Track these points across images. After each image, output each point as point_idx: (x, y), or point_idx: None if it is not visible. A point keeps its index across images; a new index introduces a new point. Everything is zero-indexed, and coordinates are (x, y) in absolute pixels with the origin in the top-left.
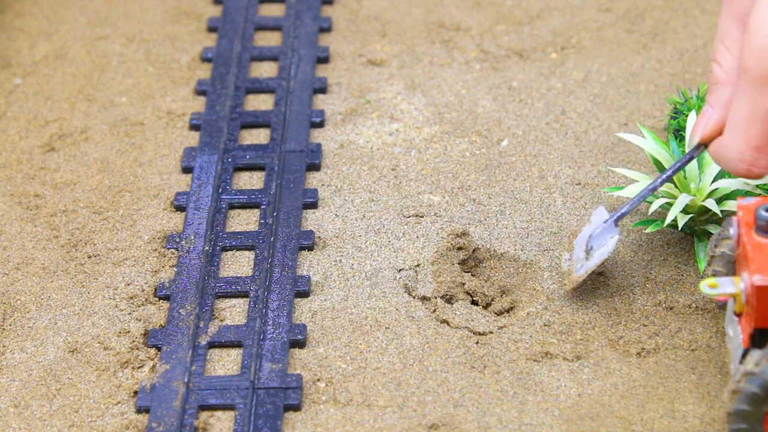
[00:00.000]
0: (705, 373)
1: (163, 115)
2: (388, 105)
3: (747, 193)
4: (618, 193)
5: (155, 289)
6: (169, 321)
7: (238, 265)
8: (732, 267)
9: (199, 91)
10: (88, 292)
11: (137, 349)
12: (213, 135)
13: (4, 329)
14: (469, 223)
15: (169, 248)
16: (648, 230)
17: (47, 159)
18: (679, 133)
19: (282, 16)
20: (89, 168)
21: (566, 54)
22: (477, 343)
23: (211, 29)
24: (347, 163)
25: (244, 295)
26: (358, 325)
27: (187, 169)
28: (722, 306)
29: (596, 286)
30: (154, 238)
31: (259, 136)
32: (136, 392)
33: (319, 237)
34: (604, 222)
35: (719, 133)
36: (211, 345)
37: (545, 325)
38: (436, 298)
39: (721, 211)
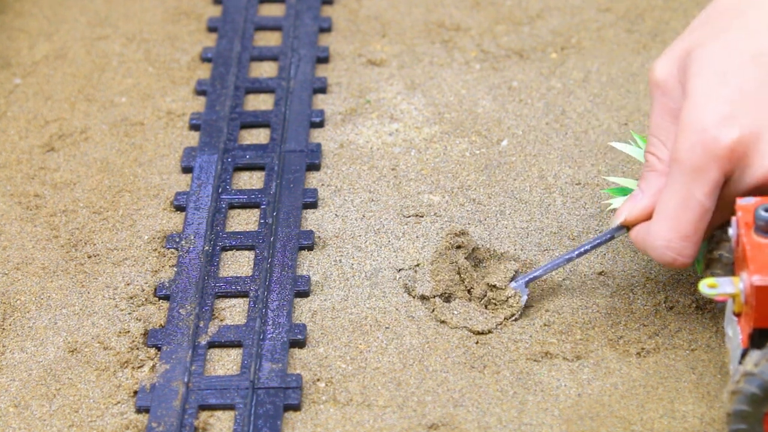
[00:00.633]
0: (705, 373)
1: (163, 115)
2: (388, 105)
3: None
4: (617, 198)
5: (155, 289)
6: (169, 321)
7: (238, 264)
8: (731, 267)
9: (199, 91)
10: (88, 292)
11: (137, 349)
12: (213, 135)
13: (3, 329)
14: (468, 223)
15: (168, 248)
16: None
17: (47, 159)
18: None
19: (282, 16)
20: (89, 168)
21: (566, 54)
22: (477, 343)
23: (211, 29)
24: (347, 162)
25: (243, 295)
26: (358, 325)
27: (186, 169)
28: (722, 306)
29: (596, 286)
30: (154, 238)
31: (258, 136)
32: (135, 392)
33: (319, 237)
34: (515, 282)
35: (644, 218)
36: (211, 345)
37: (545, 325)
38: (435, 297)
39: None
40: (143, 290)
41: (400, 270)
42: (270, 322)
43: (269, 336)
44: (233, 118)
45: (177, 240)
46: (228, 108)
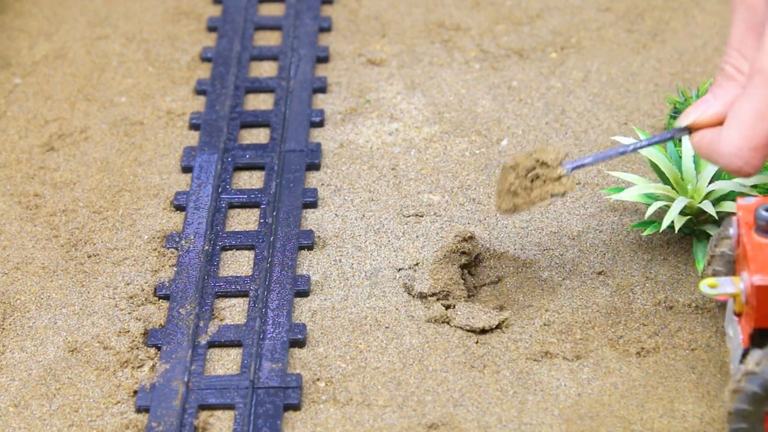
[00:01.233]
0: (705, 373)
1: (163, 115)
2: (387, 105)
3: (742, 195)
4: (616, 196)
5: (155, 289)
6: (169, 320)
7: (238, 264)
8: (732, 266)
9: (199, 91)
10: (88, 292)
11: (137, 348)
12: (213, 134)
13: (3, 329)
14: (468, 223)
15: (168, 248)
16: (645, 233)
17: (47, 159)
18: None
19: (282, 15)
20: (89, 168)
21: (566, 54)
22: (477, 342)
23: (211, 29)
24: (347, 162)
25: (243, 294)
26: (357, 325)
27: (186, 169)
28: (722, 306)
29: (596, 285)
30: (153, 238)
31: (258, 136)
32: (135, 392)
33: (319, 236)
34: (564, 165)
35: (712, 124)
36: (211, 344)
37: (545, 324)
38: (435, 297)
39: (718, 212)
40: (143, 290)
41: (399, 269)
42: (270, 322)
43: (269, 336)
44: (233, 118)
45: (177, 240)
46: (228, 108)
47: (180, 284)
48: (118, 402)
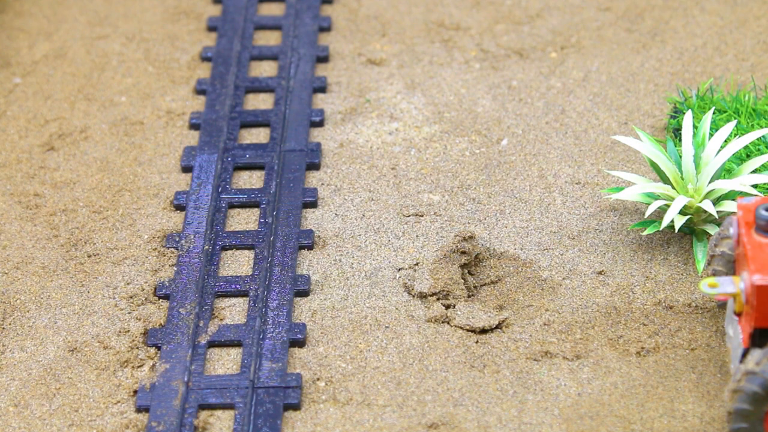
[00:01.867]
0: (705, 372)
1: (163, 115)
2: (387, 104)
3: (743, 194)
4: (616, 195)
5: (155, 289)
6: (169, 320)
7: (238, 264)
8: (732, 266)
9: (199, 91)
10: (88, 292)
11: (137, 348)
12: (213, 134)
13: (3, 328)
14: (468, 222)
15: (168, 247)
16: (645, 233)
17: (47, 158)
18: (678, 132)
19: (282, 15)
20: (89, 167)
21: (566, 53)
22: (477, 342)
23: (211, 29)
24: (347, 162)
25: (243, 294)
26: (357, 325)
27: (186, 169)
28: (722, 305)
29: (596, 285)
30: (153, 238)
31: (258, 136)
32: (135, 391)
33: (319, 236)
34: None
35: None
36: (211, 344)
37: (545, 324)
38: (435, 297)
39: (718, 211)
40: (143, 290)
41: (399, 269)
42: (270, 322)
43: (269, 335)
44: (233, 118)
45: (177, 239)
46: (228, 107)
47: (180, 284)
48: (118, 402)
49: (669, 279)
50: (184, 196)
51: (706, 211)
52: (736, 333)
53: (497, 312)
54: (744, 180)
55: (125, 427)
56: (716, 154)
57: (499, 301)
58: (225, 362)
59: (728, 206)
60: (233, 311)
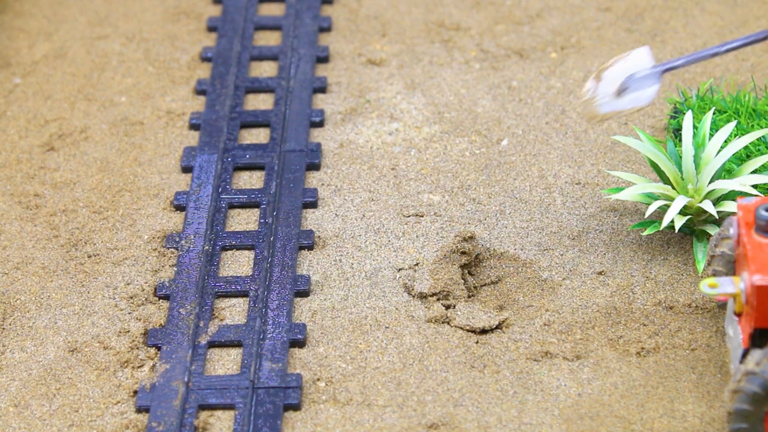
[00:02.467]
0: (705, 373)
1: (163, 115)
2: (387, 104)
3: (743, 194)
4: (616, 196)
5: (155, 289)
6: (169, 320)
7: (238, 264)
8: (732, 266)
9: (199, 91)
10: (88, 292)
11: (137, 348)
12: (213, 134)
13: (3, 329)
14: (468, 223)
15: (168, 248)
16: (645, 233)
17: (47, 158)
18: (678, 133)
19: (282, 15)
20: (89, 167)
21: (566, 53)
22: (477, 342)
23: (211, 29)
24: (347, 162)
25: (243, 294)
26: (357, 325)
27: (186, 169)
28: (722, 306)
29: (596, 285)
30: (153, 238)
31: (258, 136)
32: (135, 392)
33: (319, 236)
34: (653, 67)
35: None
36: (211, 344)
37: (545, 324)
38: (435, 297)
39: (718, 212)
40: (143, 290)
41: (399, 269)
42: (270, 322)
43: (269, 336)
44: (233, 118)
45: (177, 240)
46: (228, 107)
47: (180, 284)
48: (118, 402)
49: (669, 279)
50: (184, 196)
51: (706, 212)
52: (736, 333)
53: (497, 312)
54: (744, 180)
55: (125, 428)
56: (716, 155)
57: (499, 301)
58: (225, 362)
59: (728, 206)
60: (233, 311)
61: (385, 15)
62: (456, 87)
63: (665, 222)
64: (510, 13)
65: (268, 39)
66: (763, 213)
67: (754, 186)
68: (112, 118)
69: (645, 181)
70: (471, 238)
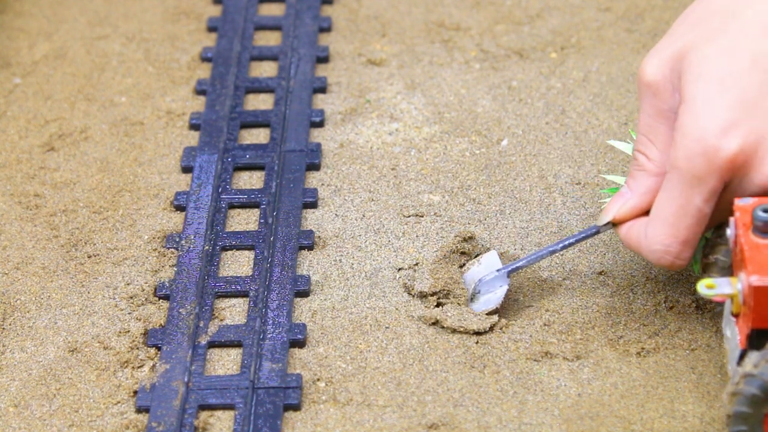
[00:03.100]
0: (705, 373)
1: (163, 115)
2: (387, 105)
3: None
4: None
5: (155, 289)
6: (169, 321)
7: (238, 264)
8: (727, 272)
9: (199, 91)
10: (88, 292)
11: (137, 348)
12: (213, 135)
13: (3, 329)
14: (468, 223)
15: (168, 248)
16: None
17: (47, 159)
18: None
19: (282, 15)
20: (89, 168)
21: (566, 54)
22: (477, 342)
23: (211, 29)
24: (347, 162)
25: (243, 294)
26: (358, 325)
27: (186, 169)
28: (722, 306)
29: (596, 285)
30: (153, 238)
31: (258, 136)
32: (135, 392)
33: (319, 237)
34: (497, 270)
35: (632, 217)
36: (211, 344)
37: (545, 324)
38: (435, 297)
39: None
40: (143, 290)
41: (399, 270)
42: (270, 322)
43: (269, 336)
44: (233, 118)
45: (177, 240)
46: (228, 108)
47: (180, 284)
48: (118, 402)
49: (669, 280)
50: (185, 196)
51: None
52: (734, 334)
53: (488, 316)
54: None
55: (125, 428)
56: None
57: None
58: (225, 363)
59: None
60: (233, 311)
61: (385, 15)
62: (456, 87)
63: None
64: (510, 13)
65: (268, 39)
66: (761, 214)
67: None
68: (112, 118)
69: None
70: (471, 238)
